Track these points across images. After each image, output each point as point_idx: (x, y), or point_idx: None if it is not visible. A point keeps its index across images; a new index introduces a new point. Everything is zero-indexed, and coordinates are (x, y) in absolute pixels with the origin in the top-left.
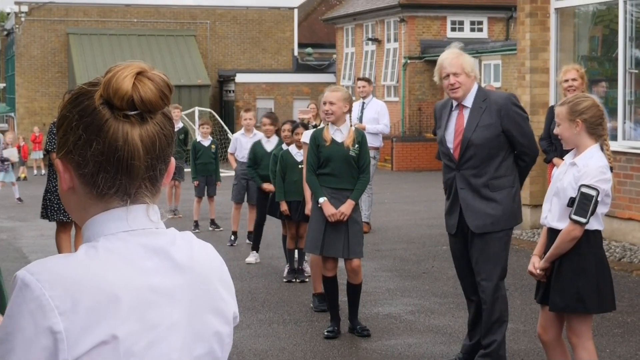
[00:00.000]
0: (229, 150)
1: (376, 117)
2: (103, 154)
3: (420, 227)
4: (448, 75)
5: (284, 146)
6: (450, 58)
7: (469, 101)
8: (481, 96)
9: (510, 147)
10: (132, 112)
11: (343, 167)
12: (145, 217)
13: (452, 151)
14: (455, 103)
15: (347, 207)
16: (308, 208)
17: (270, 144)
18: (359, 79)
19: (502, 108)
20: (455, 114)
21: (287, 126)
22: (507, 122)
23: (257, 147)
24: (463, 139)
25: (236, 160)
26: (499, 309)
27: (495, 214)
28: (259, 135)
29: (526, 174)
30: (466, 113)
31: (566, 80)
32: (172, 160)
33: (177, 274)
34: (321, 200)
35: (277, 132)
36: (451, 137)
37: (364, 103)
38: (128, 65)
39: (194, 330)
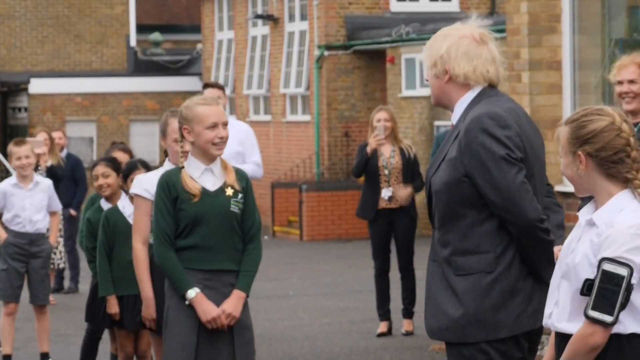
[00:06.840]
0: None
1: (240, 150)
2: None
3: (350, 335)
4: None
5: (104, 203)
6: None
7: (454, 118)
8: (466, 111)
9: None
10: None
11: (221, 234)
12: None
13: None
14: None
15: (234, 304)
16: (146, 293)
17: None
18: (205, 85)
19: (465, 135)
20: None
21: (103, 168)
22: (469, 160)
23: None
24: (426, 181)
25: (5, 227)
26: None
27: (452, 316)
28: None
29: (529, 251)
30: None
31: (620, 83)
32: None
33: None
34: (191, 293)
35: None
36: None
37: None
38: None
39: None
